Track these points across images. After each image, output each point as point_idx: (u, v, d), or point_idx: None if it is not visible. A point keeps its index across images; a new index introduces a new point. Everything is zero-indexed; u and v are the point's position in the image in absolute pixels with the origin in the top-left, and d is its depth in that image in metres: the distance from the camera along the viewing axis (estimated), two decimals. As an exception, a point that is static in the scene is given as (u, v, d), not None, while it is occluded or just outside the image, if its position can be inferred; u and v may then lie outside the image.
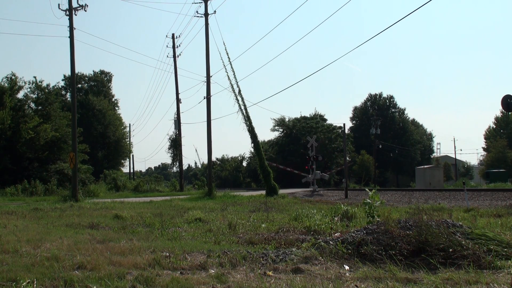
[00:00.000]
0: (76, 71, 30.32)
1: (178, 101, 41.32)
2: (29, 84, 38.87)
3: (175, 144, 41.99)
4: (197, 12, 29.75)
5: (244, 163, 78.00)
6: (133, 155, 70.52)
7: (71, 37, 24.73)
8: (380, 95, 76.14)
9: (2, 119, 33.39)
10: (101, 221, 11.89)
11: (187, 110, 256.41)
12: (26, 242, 7.75)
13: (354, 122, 77.15)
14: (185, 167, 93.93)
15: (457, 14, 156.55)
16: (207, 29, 29.23)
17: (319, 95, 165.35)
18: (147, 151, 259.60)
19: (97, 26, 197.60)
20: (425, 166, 49.15)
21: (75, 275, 5.29)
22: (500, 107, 19.43)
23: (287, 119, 63.71)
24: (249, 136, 29.64)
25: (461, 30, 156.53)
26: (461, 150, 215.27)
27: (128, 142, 64.62)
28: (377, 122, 58.52)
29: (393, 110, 75.27)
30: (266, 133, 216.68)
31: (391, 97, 76.13)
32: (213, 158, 58.08)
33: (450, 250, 5.80)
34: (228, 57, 30.17)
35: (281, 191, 29.18)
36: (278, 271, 5.59)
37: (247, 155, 76.05)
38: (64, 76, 59.97)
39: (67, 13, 24.60)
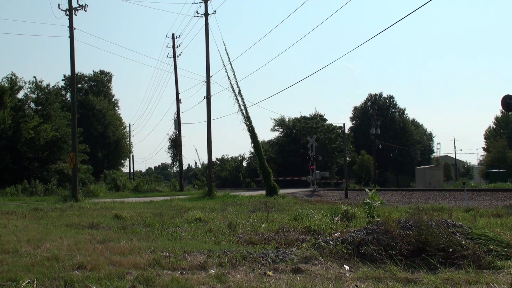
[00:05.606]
0: (76, 71, 30.36)
1: (178, 101, 41.37)
2: (29, 84, 38.99)
3: (175, 144, 41.97)
4: (197, 12, 29.78)
5: (244, 163, 77.76)
6: (133, 155, 70.55)
7: (71, 37, 24.74)
8: (380, 95, 76.10)
9: (2, 119, 33.44)
10: (101, 221, 11.89)
11: (187, 110, 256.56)
12: (26, 242, 7.75)
13: (354, 122, 77.07)
14: (185, 167, 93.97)
15: (457, 14, 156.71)
16: (207, 29, 29.25)
17: (319, 95, 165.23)
18: (147, 151, 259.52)
19: (97, 26, 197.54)
20: (425, 166, 49.10)
21: (75, 275, 5.29)
22: (500, 107, 19.43)
23: (287, 119, 63.61)
24: (249, 136, 29.67)
25: (461, 30, 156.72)
26: (461, 150, 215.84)
27: (128, 142, 64.61)
28: (377, 122, 58.45)
29: (393, 110, 75.21)
30: (266, 133, 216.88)
31: (391, 97, 76.10)
32: (213, 158, 58.00)
33: (450, 250, 5.81)
34: (228, 57, 30.20)
35: (281, 191, 29.18)
36: (278, 271, 5.59)
37: (247, 155, 75.86)
38: (64, 76, 60.02)
39: (67, 13, 24.61)
